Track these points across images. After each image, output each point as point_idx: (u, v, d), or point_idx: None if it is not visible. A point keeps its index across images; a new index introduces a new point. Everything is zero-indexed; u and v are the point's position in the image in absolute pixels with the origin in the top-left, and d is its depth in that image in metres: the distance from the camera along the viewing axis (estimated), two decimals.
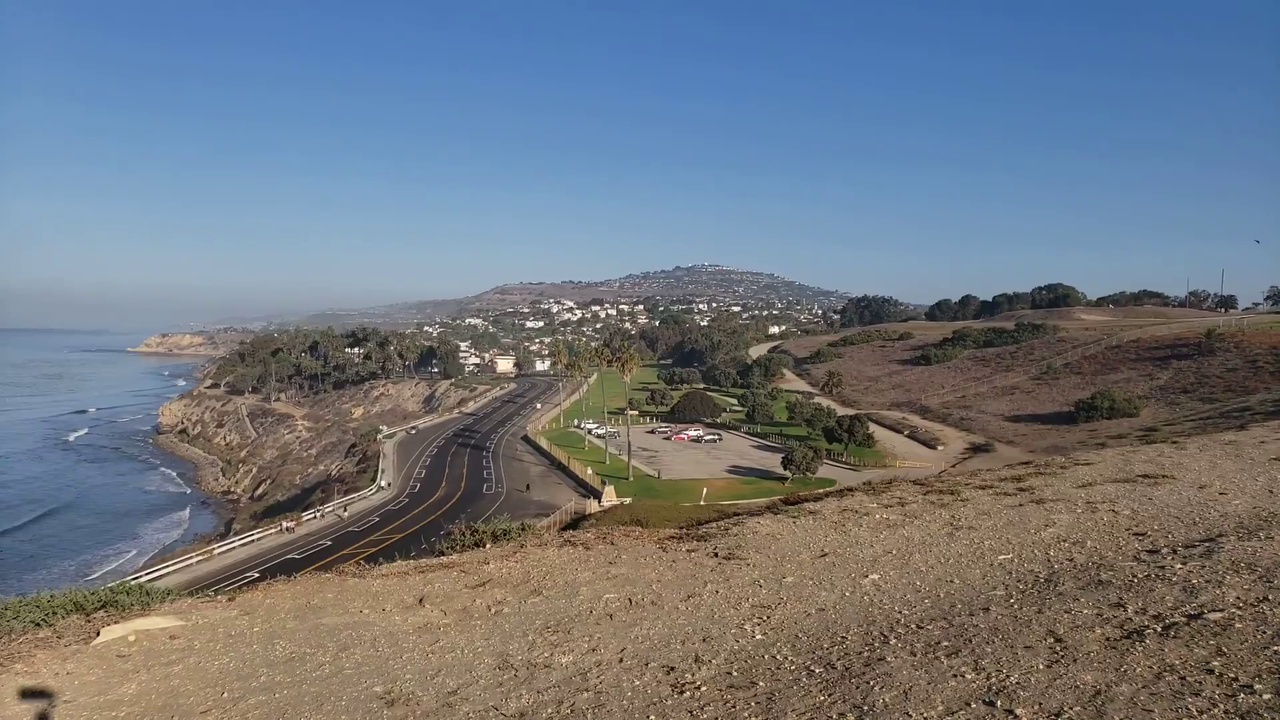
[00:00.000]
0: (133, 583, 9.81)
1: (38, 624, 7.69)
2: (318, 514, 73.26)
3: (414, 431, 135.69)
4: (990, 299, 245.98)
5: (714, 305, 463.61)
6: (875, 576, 8.43)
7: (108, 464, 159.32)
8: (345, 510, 78.87)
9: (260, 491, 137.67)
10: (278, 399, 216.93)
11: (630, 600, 7.77)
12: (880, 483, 14.92)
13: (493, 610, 7.40)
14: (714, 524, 11.83)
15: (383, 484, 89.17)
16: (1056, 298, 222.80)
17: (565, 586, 8.52)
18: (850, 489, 14.42)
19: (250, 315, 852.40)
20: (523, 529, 11.56)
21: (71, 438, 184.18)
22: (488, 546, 10.30)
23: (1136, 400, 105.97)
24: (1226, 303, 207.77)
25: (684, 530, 11.22)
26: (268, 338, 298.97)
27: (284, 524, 68.88)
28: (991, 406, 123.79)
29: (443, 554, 10.78)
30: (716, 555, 9.50)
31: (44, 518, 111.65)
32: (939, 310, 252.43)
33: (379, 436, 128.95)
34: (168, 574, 55.11)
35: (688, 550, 9.90)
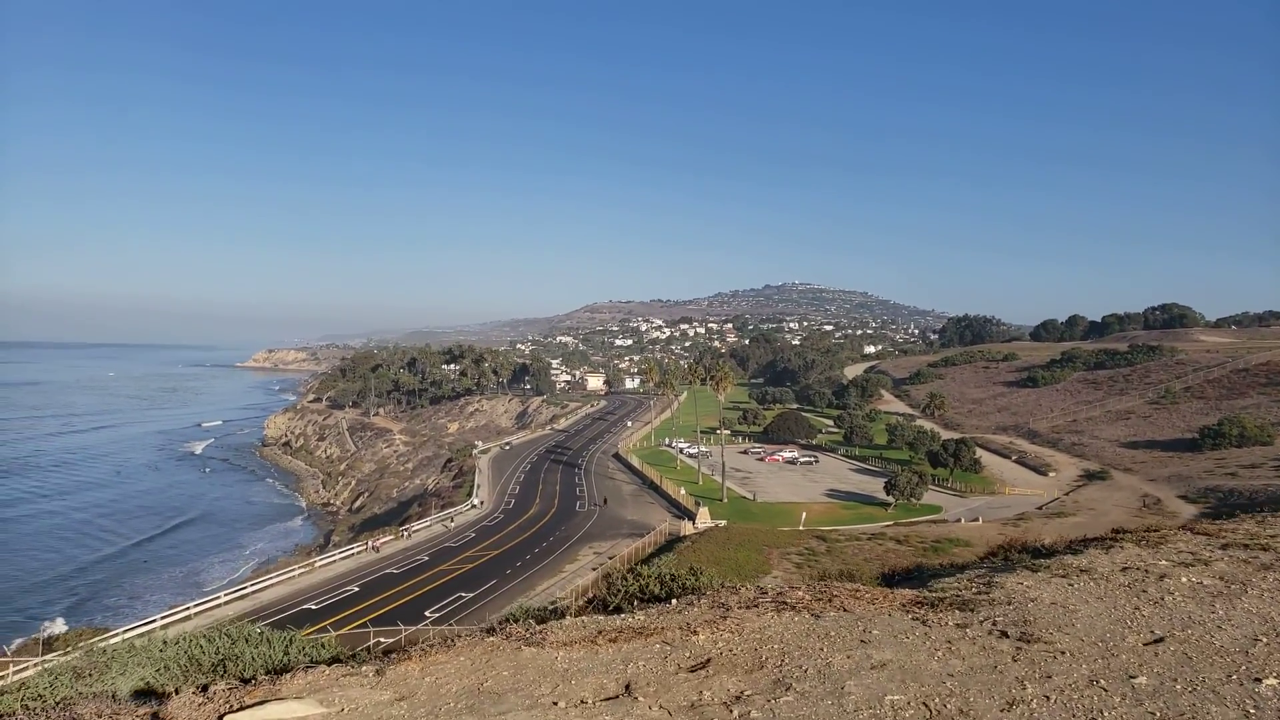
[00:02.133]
0: (255, 633, 8.56)
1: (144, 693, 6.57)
2: (404, 533, 72.93)
3: (508, 447, 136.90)
4: (1099, 319, 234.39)
5: (805, 324, 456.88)
6: (1274, 681, 6.30)
7: (218, 475, 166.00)
8: (452, 522, 79.66)
9: (359, 504, 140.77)
10: (376, 414, 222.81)
11: (929, 708, 5.88)
12: (1141, 530, 12.53)
13: (736, 714, 5.65)
14: (956, 581, 9.82)
15: (477, 500, 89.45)
16: (1171, 318, 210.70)
17: (819, 677, 6.44)
18: (1113, 539, 12.15)
19: (350, 332, 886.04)
20: (720, 586, 9.50)
21: (193, 450, 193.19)
22: (674, 604, 8.42)
23: (1270, 428, 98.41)
24: None
25: (930, 594, 8.84)
26: (367, 354, 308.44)
27: (371, 543, 68.78)
28: (1105, 432, 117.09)
29: (619, 609, 9.08)
30: (1006, 635, 7.37)
31: (162, 529, 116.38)
32: (1044, 330, 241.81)
33: (474, 452, 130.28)
34: (272, 584, 55.94)
35: (956, 624, 7.75)
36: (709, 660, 6.66)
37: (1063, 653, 7.03)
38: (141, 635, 44.62)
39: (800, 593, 8.43)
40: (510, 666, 6.91)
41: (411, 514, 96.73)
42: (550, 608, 9.90)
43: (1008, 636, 7.37)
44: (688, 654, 6.84)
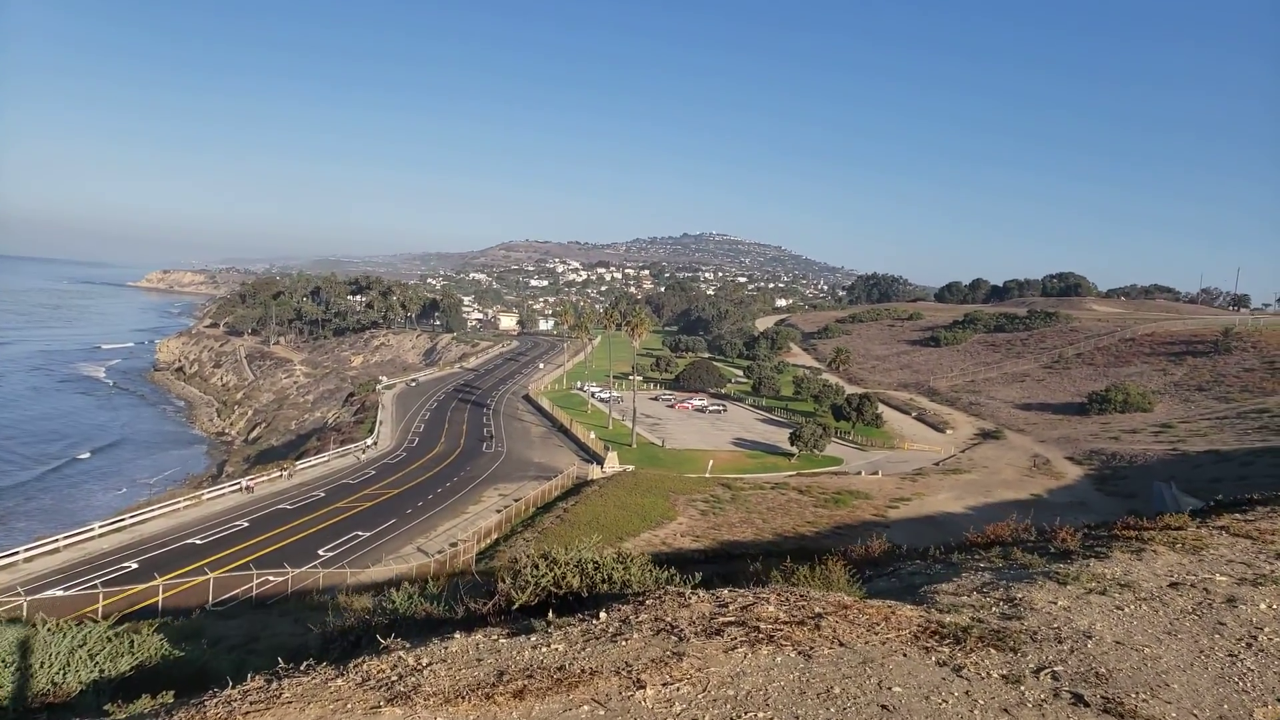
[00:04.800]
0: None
1: None
2: (283, 473, 68.27)
3: (414, 384, 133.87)
4: (1001, 284, 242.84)
5: (720, 275, 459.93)
6: None
7: (105, 399, 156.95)
8: (364, 453, 77.68)
9: (255, 435, 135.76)
10: (276, 343, 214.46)
11: None
12: (1160, 525, 11.21)
13: None
14: (966, 594, 8.12)
15: (377, 438, 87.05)
16: (1068, 286, 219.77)
17: None
18: (1133, 534, 10.75)
19: (253, 256, 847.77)
20: (661, 589, 7.49)
21: (83, 372, 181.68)
22: (604, 620, 6.22)
23: (1151, 395, 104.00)
24: (1240, 301, 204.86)
25: (943, 617, 6.81)
26: (269, 280, 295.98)
27: (245, 483, 64.59)
28: (1001, 393, 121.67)
29: (529, 627, 6.41)
30: (1082, 702, 5.49)
31: (41, 456, 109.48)
32: (949, 292, 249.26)
33: (378, 387, 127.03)
34: (154, 517, 53.24)
35: (1002, 675, 5.83)
36: None
37: None
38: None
39: (771, 608, 6.50)
40: None
41: (309, 448, 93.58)
42: (427, 616, 8.13)
43: (1085, 705, 5.49)
44: None
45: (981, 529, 13.20)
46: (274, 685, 5.41)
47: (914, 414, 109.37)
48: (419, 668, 5.43)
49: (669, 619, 6.21)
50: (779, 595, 6.74)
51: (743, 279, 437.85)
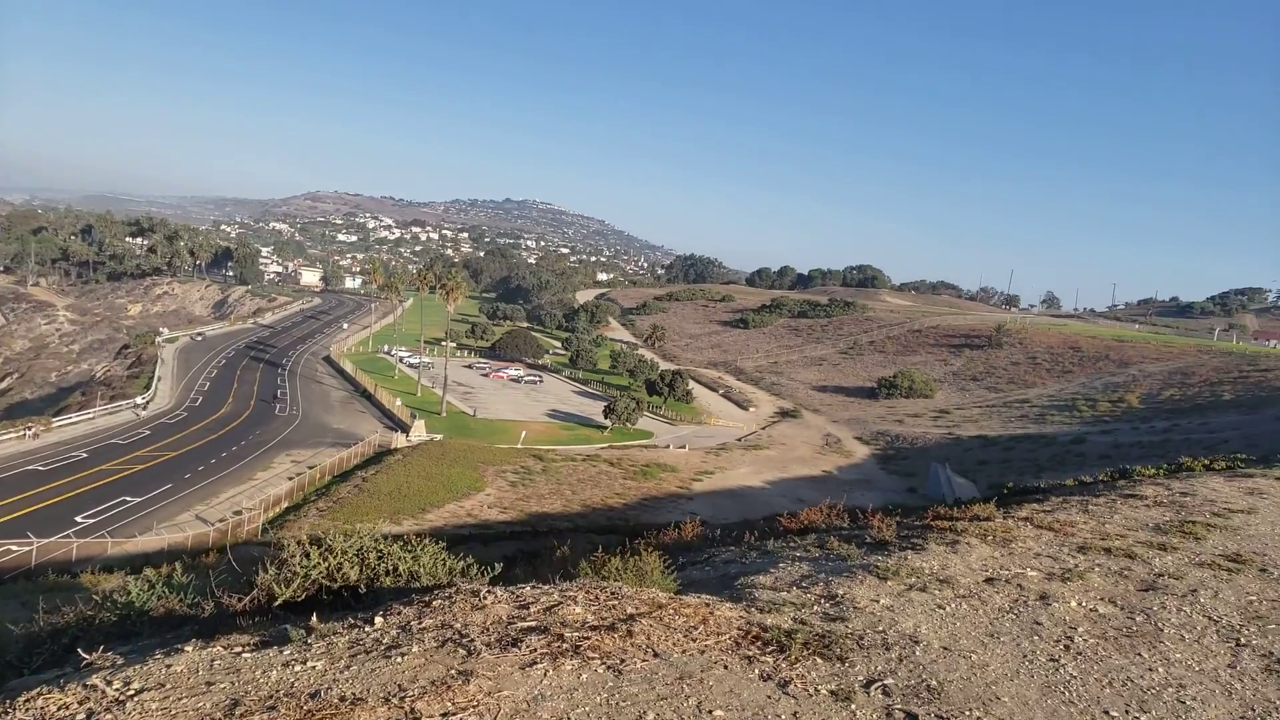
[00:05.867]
0: None
1: None
2: (29, 431, 61.14)
3: (200, 338, 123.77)
4: (806, 272, 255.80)
5: (543, 244, 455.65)
6: None
7: None
8: (139, 412, 70.28)
9: (4, 385, 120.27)
10: (36, 284, 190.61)
11: None
12: (970, 514, 11.32)
13: None
14: (785, 589, 7.58)
15: (146, 397, 79.40)
16: (865, 278, 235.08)
17: None
18: (946, 524, 10.79)
19: (9, 185, 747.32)
20: (454, 585, 6.27)
21: None
22: (379, 625, 5.07)
23: (933, 383, 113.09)
24: (1011, 301, 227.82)
25: (764, 618, 6.26)
26: (29, 213, 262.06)
27: (28, 429, 58.71)
28: (801, 375, 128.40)
29: (285, 630, 5.25)
30: (892, 713, 5.15)
31: None
32: (759, 277, 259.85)
33: (159, 339, 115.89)
34: None
35: (831, 691, 5.29)
36: None
37: None
38: None
39: (579, 609, 5.61)
40: None
41: (71, 403, 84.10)
42: (167, 613, 6.61)
43: (894, 715, 5.15)
44: None
45: (795, 513, 12.99)
46: None
47: (721, 391, 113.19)
48: (122, 699, 4.08)
49: (459, 625, 5.20)
50: (587, 593, 5.89)
51: (565, 250, 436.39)
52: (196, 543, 40.96)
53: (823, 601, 7.23)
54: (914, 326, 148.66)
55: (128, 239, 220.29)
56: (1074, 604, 7.86)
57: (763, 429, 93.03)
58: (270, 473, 56.83)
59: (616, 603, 5.71)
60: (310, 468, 56.91)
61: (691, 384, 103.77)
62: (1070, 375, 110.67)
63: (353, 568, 6.29)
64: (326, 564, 6.23)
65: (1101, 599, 8.12)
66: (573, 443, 75.52)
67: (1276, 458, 24.15)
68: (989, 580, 8.35)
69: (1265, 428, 72.37)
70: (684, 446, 77.46)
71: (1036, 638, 6.93)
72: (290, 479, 54.46)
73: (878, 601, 7.32)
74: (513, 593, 5.70)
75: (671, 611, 5.74)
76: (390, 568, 6.49)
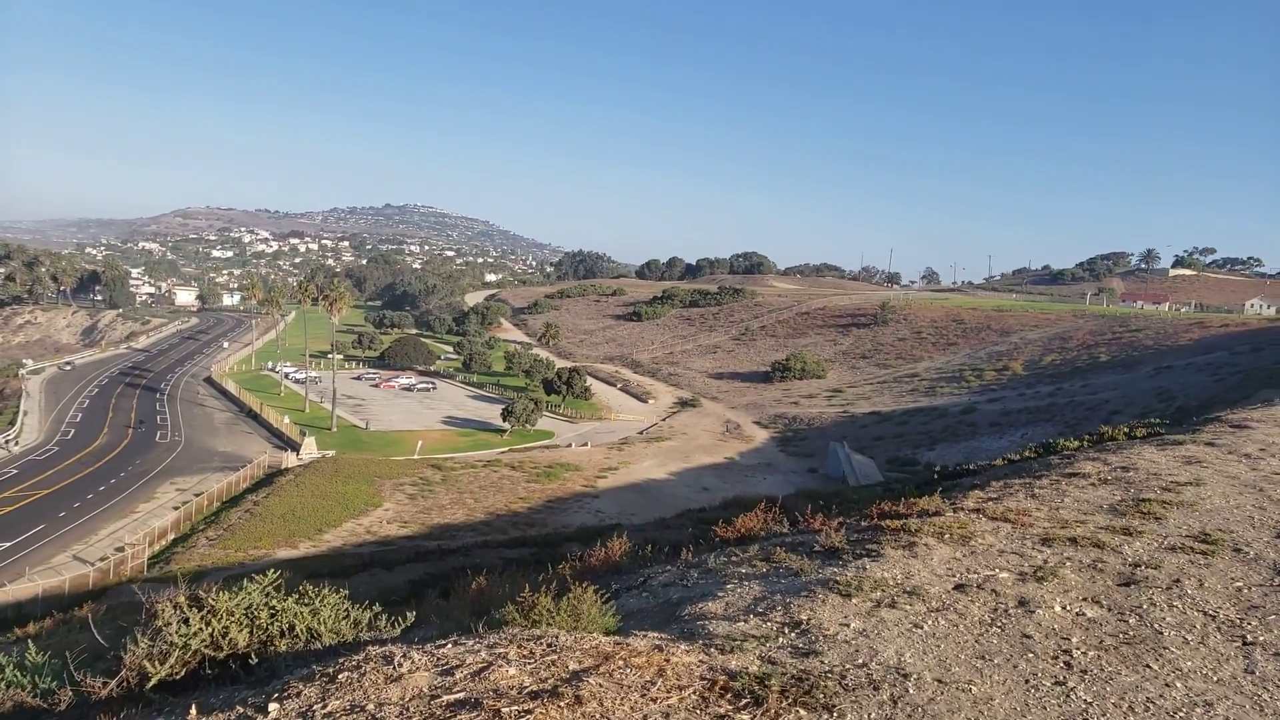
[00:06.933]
0: None
1: None
2: None
3: (69, 368, 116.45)
4: (694, 262, 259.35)
5: (427, 248, 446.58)
6: None
7: None
8: (10, 447, 65.96)
9: None
10: None
11: None
12: (920, 508, 10.55)
13: None
14: (740, 616, 6.80)
15: (12, 434, 73.99)
16: (752, 265, 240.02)
17: None
18: (895, 521, 9.99)
19: None
20: (361, 641, 5.68)
21: None
22: (274, 713, 4.24)
23: (824, 363, 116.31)
24: (893, 279, 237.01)
25: (726, 660, 5.43)
26: None
27: None
28: (697, 364, 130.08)
29: (141, 680, 4.77)
30: None
31: None
32: (648, 269, 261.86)
33: (22, 372, 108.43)
34: None
35: None
36: None
37: None
38: None
39: (513, 669, 4.69)
40: None
41: None
42: (15, 707, 5.13)
43: None
44: None
45: (730, 520, 12.21)
46: None
47: (619, 385, 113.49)
48: None
49: (372, 706, 4.27)
50: (520, 647, 5.00)
51: (450, 253, 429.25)
52: (75, 586, 38.37)
53: (787, 631, 6.46)
54: (802, 309, 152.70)
55: None
56: (1058, 608, 7.26)
57: (663, 420, 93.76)
58: (154, 504, 53.83)
59: (555, 657, 4.90)
60: (197, 495, 54.18)
61: (589, 380, 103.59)
62: (955, 347, 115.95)
63: (241, 631, 5.30)
64: (210, 629, 5.25)
65: (1084, 599, 7.56)
66: (472, 449, 74.28)
67: (1193, 423, 24.39)
68: (959, 588, 7.70)
69: (1141, 385, 77.64)
70: (586, 444, 77.29)
71: (1032, 655, 6.28)
72: (176, 509, 51.73)
73: (848, 625, 6.62)
74: (432, 655, 4.89)
75: (621, 663, 4.95)
76: (285, 627, 5.67)
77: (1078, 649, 6.43)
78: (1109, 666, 6.17)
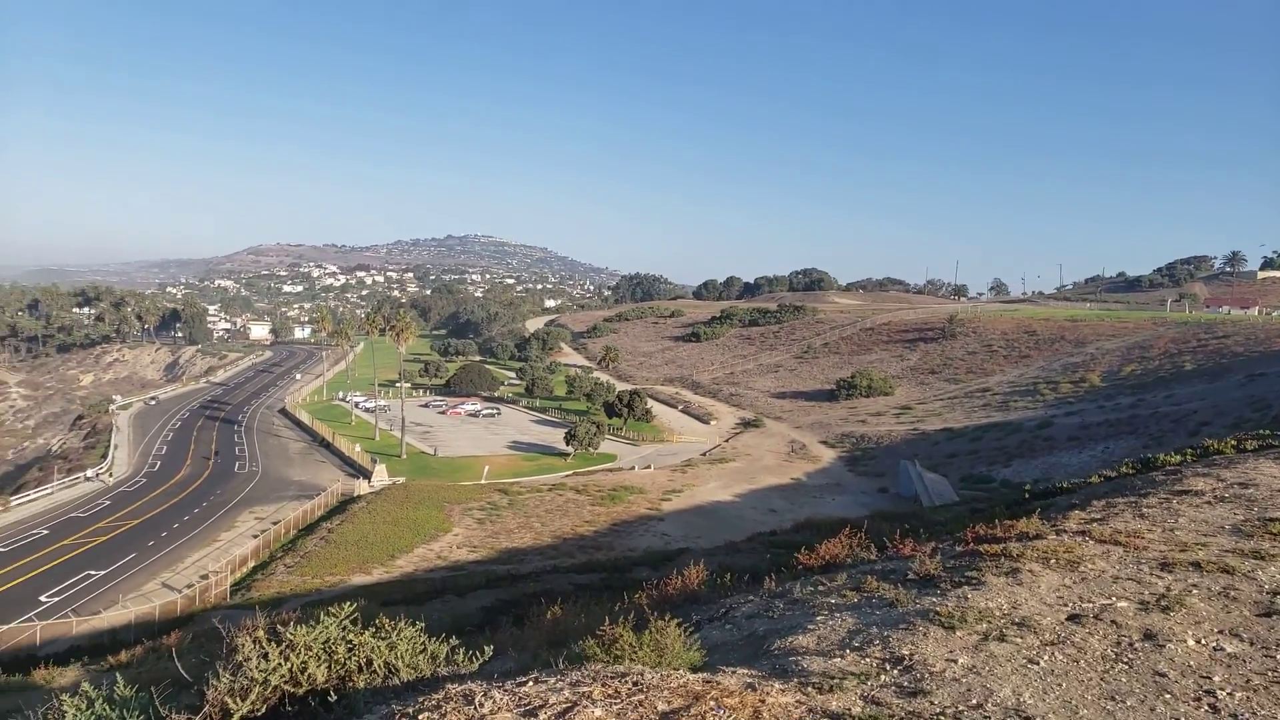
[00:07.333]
0: None
1: None
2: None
3: (154, 402, 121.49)
4: (752, 280, 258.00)
5: (488, 276, 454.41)
6: None
7: None
8: (96, 482, 70.12)
9: None
10: None
11: None
12: (1031, 535, 9.83)
13: None
14: (835, 651, 6.39)
15: (105, 467, 77.12)
16: (812, 281, 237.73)
17: None
18: (998, 547, 9.34)
19: None
20: (440, 664, 5.77)
21: None
22: None
23: (891, 379, 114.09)
24: (960, 291, 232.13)
25: (823, 706, 4.84)
26: None
27: None
28: (758, 383, 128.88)
29: (224, 717, 4.72)
30: None
31: None
32: (705, 290, 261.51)
33: (112, 408, 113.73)
34: None
35: None
36: None
37: None
38: None
39: (599, 711, 4.23)
40: None
41: (29, 480, 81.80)
42: None
43: None
44: None
45: (813, 547, 11.61)
46: None
47: (680, 407, 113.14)
48: None
49: None
50: (604, 686, 4.68)
51: (510, 280, 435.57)
52: (164, 612, 39.73)
53: (889, 667, 6.00)
54: (866, 325, 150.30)
55: (74, 309, 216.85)
56: (1191, 643, 6.54)
57: (726, 441, 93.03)
58: (234, 532, 55.48)
59: (642, 696, 4.53)
60: (274, 523, 55.60)
61: (650, 402, 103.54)
62: (1028, 360, 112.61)
63: (319, 666, 5.52)
64: (289, 664, 5.42)
65: (1220, 632, 6.78)
66: (537, 473, 74.77)
67: None
68: (1074, 618, 7.06)
69: (1232, 394, 73.80)
70: (649, 466, 77.11)
71: (1169, 696, 5.54)
72: (255, 537, 53.18)
73: (955, 661, 6.08)
74: (513, 694, 4.61)
75: (713, 703, 4.49)
76: (363, 661, 5.58)
77: (1221, 689, 5.72)
78: (1262, 710, 5.43)
